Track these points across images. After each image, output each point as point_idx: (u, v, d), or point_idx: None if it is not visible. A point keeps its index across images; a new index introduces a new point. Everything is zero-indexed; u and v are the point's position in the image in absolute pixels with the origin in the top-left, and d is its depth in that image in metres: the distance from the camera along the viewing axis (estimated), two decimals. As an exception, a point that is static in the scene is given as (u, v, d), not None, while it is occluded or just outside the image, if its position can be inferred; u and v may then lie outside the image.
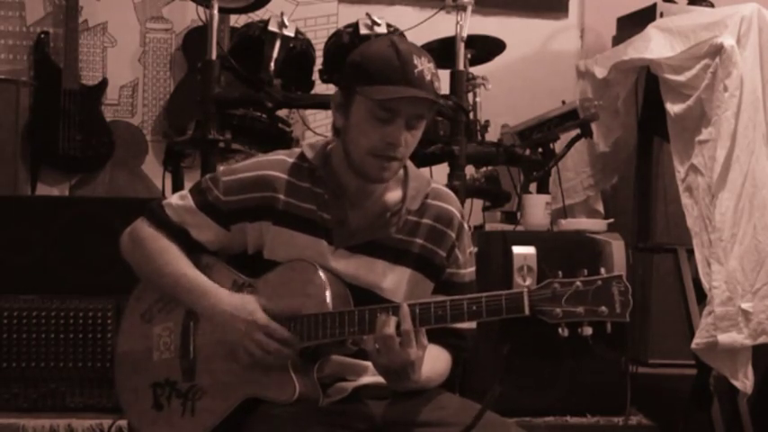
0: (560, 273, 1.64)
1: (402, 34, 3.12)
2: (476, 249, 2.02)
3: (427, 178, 1.93)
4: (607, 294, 1.61)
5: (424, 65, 1.73)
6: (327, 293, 1.74)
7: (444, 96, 3.02)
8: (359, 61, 1.78)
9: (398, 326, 1.65)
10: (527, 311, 1.63)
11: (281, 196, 1.83)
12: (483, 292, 1.68)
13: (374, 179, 1.80)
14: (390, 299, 1.81)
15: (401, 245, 1.84)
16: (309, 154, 1.87)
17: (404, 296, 1.83)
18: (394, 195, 1.86)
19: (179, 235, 1.87)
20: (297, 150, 1.91)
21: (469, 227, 2.91)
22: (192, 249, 1.88)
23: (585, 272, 1.63)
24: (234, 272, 1.86)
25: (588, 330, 1.62)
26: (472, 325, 1.88)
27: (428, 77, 1.73)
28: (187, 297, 1.84)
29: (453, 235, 1.88)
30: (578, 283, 1.62)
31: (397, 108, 1.72)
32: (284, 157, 1.89)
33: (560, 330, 1.63)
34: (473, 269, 1.94)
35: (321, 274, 1.76)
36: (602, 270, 1.63)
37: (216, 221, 1.86)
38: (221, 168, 1.94)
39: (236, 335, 1.75)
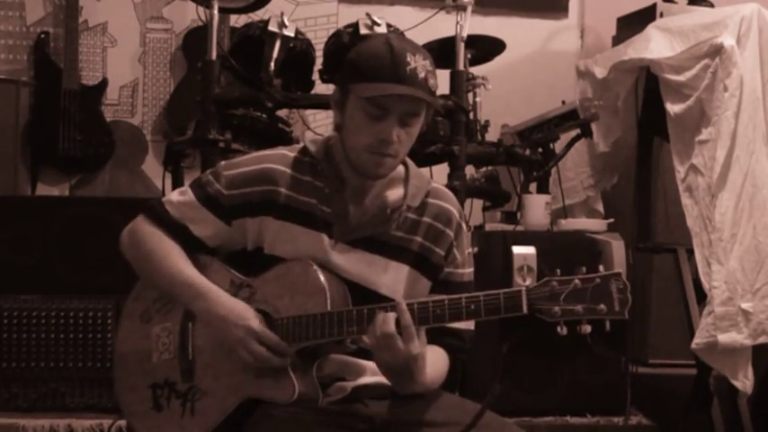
0: (558, 271, 1.64)
1: (402, 34, 3.12)
2: (476, 250, 2.02)
3: (427, 177, 1.93)
4: (606, 292, 1.60)
5: (417, 62, 1.73)
6: (326, 293, 1.74)
7: (444, 96, 3.02)
8: (354, 58, 1.79)
9: (398, 323, 1.65)
10: (525, 310, 1.63)
11: (283, 190, 1.83)
12: (481, 291, 1.68)
13: (371, 175, 1.81)
14: (388, 296, 1.81)
15: (401, 242, 1.84)
16: (312, 148, 1.88)
17: (402, 294, 1.83)
18: (395, 193, 1.87)
19: (179, 232, 1.87)
20: (298, 145, 1.91)
21: (469, 227, 2.91)
22: (192, 246, 1.87)
23: (584, 269, 1.63)
24: (231, 272, 1.86)
25: (587, 328, 1.61)
26: (470, 325, 1.88)
27: (421, 75, 1.73)
28: (184, 297, 1.83)
29: (452, 234, 1.88)
30: (577, 281, 1.61)
31: (387, 105, 1.73)
32: (286, 151, 1.89)
33: (559, 329, 1.62)
34: (471, 270, 1.94)
35: (320, 273, 1.76)
36: (601, 269, 1.63)
37: (217, 216, 1.85)
38: (222, 163, 1.93)
39: (231, 340, 1.75)
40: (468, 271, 1.92)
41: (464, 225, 1.92)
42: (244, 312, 1.76)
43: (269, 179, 1.84)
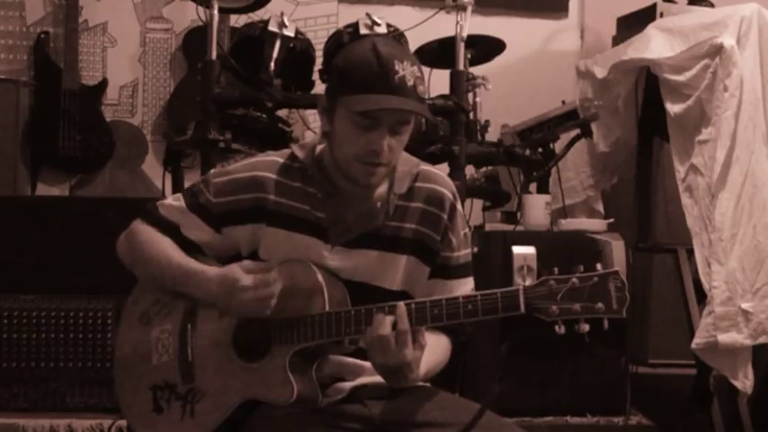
0: (556, 269, 1.64)
1: (402, 34, 3.12)
2: (476, 250, 2.01)
3: (416, 161, 1.90)
4: (603, 290, 1.59)
5: (406, 69, 1.71)
6: (324, 293, 1.74)
7: (444, 96, 3.02)
8: (341, 67, 1.77)
9: (395, 325, 1.65)
10: (523, 309, 1.63)
11: (272, 197, 1.83)
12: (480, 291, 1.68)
13: (362, 184, 1.79)
14: (389, 288, 1.82)
15: (394, 232, 1.83)
16: (300, 154, 1.87)
17: (401, 284, 1.83)
18: (384, 187, 1.85)
19: (171, 231, 1.88)
20: (287, 151, 1.90)
21: (470, 227, 2.90)
22: (185, 246, 1.88)
23: (581, 268, 1.62)
24: (230, 273, 1.86)
25: (585, 327, 1.61)
26: None
27: (410, 82, 1.71)
28: (179, 282, 1.84)
29: (445, 217, 1.87)
30: (574, 279, 1.61)
31: (378, 116, 1.71)
32: (275, 157, 1.89)
33: (557, 328, 1.62)
34: (468, 251, 1.93)
35: (317, 273, 1.76)
36: (599, 267, 1.62)
37: (207, 223, 1.87)
38: (213, 170, 1.94)
39: (234, 309, 1.76)
40: (464, 253, 1.91)
41: (458, 205, 1.90)
42: (231, 273, 1.75)
43: (258, 186, 1.84)
